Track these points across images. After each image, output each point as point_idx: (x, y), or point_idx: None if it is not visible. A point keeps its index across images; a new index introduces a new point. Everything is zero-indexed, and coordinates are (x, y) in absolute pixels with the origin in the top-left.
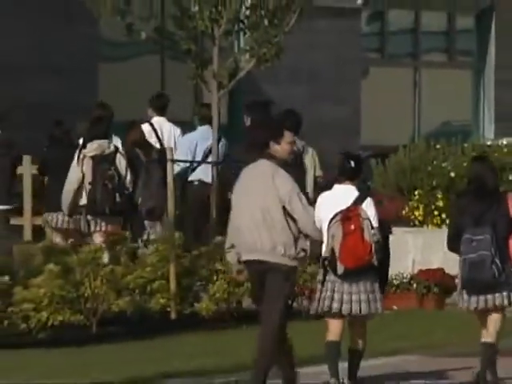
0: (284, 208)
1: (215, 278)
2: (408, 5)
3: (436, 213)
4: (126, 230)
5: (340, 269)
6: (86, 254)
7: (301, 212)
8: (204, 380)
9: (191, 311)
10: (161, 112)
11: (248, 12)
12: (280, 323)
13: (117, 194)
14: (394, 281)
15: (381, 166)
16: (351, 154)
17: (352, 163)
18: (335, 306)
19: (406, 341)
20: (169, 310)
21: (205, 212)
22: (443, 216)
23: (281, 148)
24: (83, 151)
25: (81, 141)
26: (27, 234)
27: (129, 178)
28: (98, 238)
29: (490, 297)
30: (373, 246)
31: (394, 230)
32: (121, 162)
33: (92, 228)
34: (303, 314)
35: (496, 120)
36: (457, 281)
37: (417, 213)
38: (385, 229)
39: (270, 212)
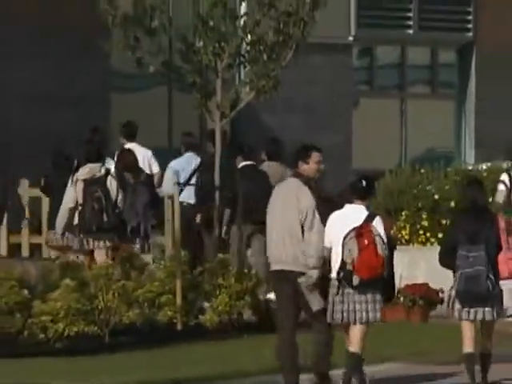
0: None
1: (218, 292)
2: (394, 41)
3: (421, 232)
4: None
5: (355, 280)
6: (99, 269)
7: (306, 234)
8: None
9: (196, 323)
10: (131, 138)
11: (248, 47)
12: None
13: (104, 214)
14: None
15: None
16: (365, 175)
17: (364, 183)
18: (352, 316)
19: (395, 349)
20: (175, 321)
21: (191, 231)
22: (428, 235)
23: (308, 167)
24: (76, 174)
25: (75, 164)
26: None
27: (120, 198)
28: (98, 255)
29: (480, 310)
30: (384, 258)
31: None
32: (112, 183)
33: (86, 246)
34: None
35: (476, 146)
36: (446, 293)
37: (403, 232)
38: (391, 244)
39: (292, 225)
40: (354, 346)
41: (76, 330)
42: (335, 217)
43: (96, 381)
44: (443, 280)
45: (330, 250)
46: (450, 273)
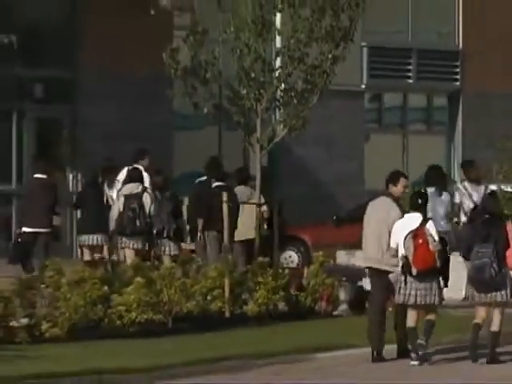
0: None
1: (258, 287)
2: (398, 89)
3: None
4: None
5: (414, 271)
6: (164, 270)
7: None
8: (250, 361)
9: (240, 312)
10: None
11: (282, 94)
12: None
13: (137, 221)
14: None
15: None
16: (420, 192)
17: (419, 200)
18: (412, 300)
19: None
20: (224, 310)
21: None
22: None
23: (397, 189)
24: (120, 191)
25: (120, 185)
26: None
27: (152, 209)
28: (128, 253)
29: (489, 295)
30: (436, 253)
31: None
32: (147, 198)
33: (121, 245)
34: (321, 314)
35: None
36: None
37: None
38: (443, 242)
39: (382, 233)
40: (412, 322)
41: (145, 317)
42: (399, 223)
43: (162, 359)
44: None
45: (396, 250)
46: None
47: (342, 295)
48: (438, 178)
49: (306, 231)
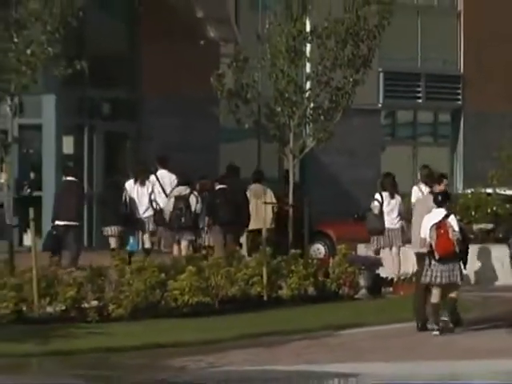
0: None
1: (291, 275)
2: (409, 107)
3: None
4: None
5: (436, 256)
6: (212, 260)
7: None
8: (285, 337)
9: (276, 296)
10: (162, 166)
11: (311, 111)
12: None
13: (183, 218)
14: (402, 277)
15: None
16: (442, 192)
17: (440, 197)
18: (438, 280)
19: (408, 313)
20: (262, 294)
21: None
22: None
23: (440, 187)
24: (171, 193)
25: (169, 188)
26: None
27: (198, 208)
28: (182, 244)
29: None
30: (455, 241)
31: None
32: (193, 199)
33: (172, 239)
34: (344, 297)
35: (464, 178)
36: None
37: None
38: (464, 232)
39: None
40: (436, 299)
41: (196, 300)
42: (426, 217)
43: (211, 334)
44: None
45: (424, 238)
46: None
47: (362, 281)
48: (391, 184)
49: (331, 227)
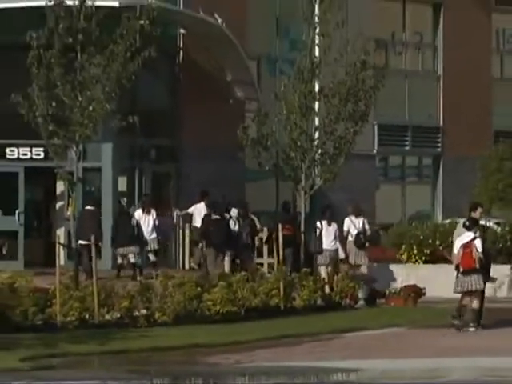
0: None
1: (303, 288)
2: (398, 153)
3: (413, 257)
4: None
5: (461, 269)
6: (239, 276)
7: None
8: (299, 339)
9: (291, 306)
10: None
11: (319, 156)
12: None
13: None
14: (392, 290)
15: (385, 233)
16: (470, 219)
17: (467, 223)
18: (459, 289)
19: (398, 320)
20: (279, 305)
21: None
22: (417, 258)
23: (475, 214)
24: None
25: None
26: None
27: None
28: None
29: None
30: (477, 259)
31: (395, 267)
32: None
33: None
34: (346, 307)
35: (443, 211)
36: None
37: (403, 256)
38: (488, 252)
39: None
40: (464, 303)
41: (226, 309)
42: (458, 239)
43: (239, 337)
44: (425, 283)
45: (456, 256)
46: (429, 279)
47: (360, 294)
48: (330, 213)
49: None
